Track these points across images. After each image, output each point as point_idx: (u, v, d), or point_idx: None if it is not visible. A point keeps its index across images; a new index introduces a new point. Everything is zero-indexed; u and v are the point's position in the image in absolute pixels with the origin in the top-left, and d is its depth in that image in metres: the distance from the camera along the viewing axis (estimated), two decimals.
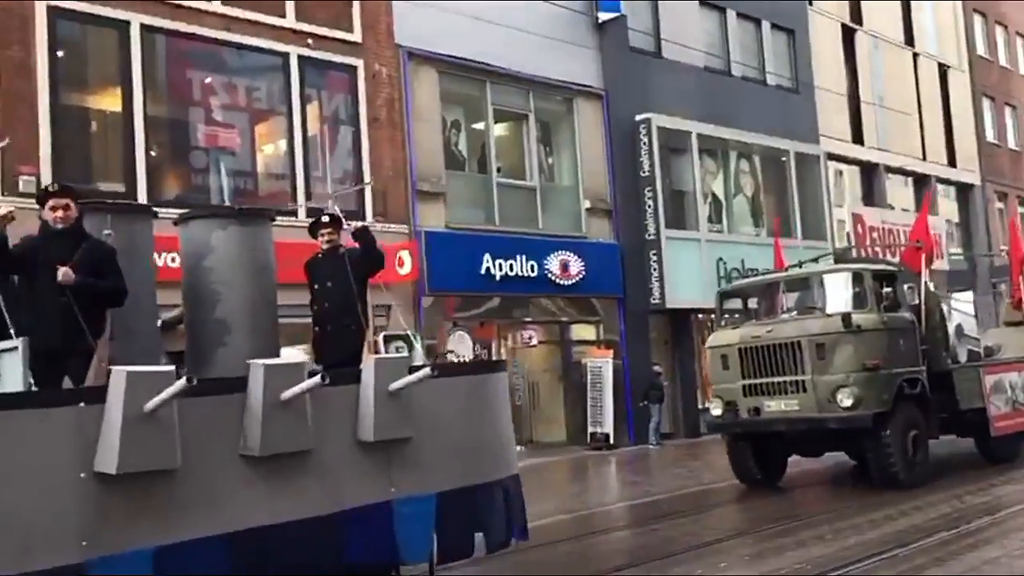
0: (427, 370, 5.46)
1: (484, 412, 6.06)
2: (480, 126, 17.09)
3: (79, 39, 12.72)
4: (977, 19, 32.02)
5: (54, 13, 12.09)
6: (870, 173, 25.68)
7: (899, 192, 27.17)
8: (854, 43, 25.85)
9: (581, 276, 17.17)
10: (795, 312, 11.19)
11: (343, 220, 7.05)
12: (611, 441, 16.92)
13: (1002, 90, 32.85)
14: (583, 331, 18.30)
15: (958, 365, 11.53)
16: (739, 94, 21.32)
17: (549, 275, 16.70)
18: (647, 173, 18.57)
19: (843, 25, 25.52)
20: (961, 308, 13.25)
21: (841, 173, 24.96)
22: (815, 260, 12.66)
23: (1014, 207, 32.52)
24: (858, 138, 25.26)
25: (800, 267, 12.69)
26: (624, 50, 18.94)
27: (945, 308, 12.36)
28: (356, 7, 14.99)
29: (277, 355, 5.99)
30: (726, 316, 12.20)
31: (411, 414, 5.41)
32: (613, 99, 18.51)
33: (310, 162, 14.35)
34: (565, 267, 16.93)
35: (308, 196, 14.17)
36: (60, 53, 12.25)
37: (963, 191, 30.00)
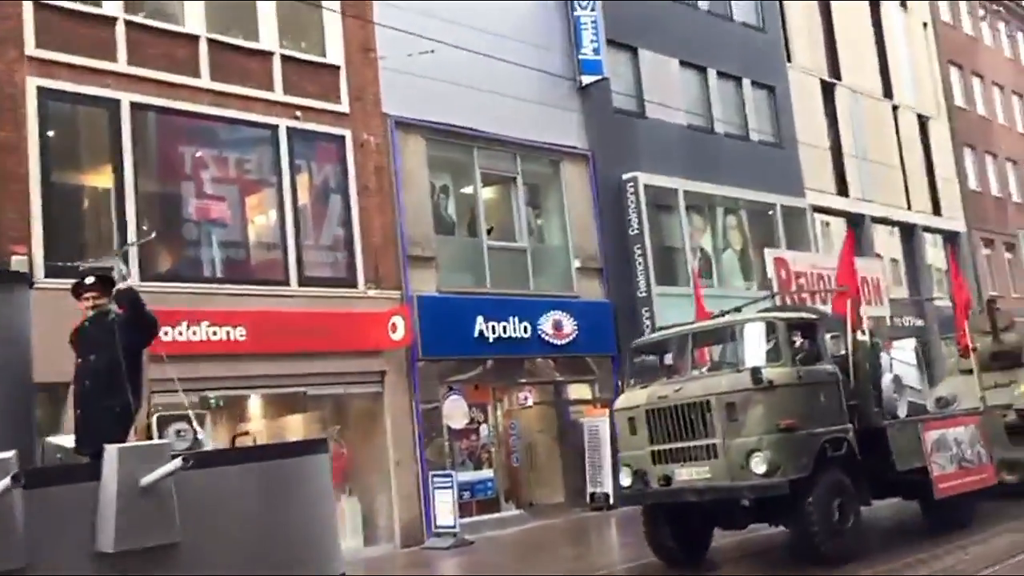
0: (177, 461, 4.43)
1: (290, 504, 5.06)
2: (469, 190, 17.27)
3: (69, 118, 12.90)
4: (953, 70, 32.68)
5: (44, 94, 12.26)
6: (856, 224, 25.93)
7: (886, 241, 27.41)
8: (834, 97, 26.32)
9: (574, 335, 17.19)
10: (706, 368, 10.32)
11: (118, 279, 6.04)
12: (611, 501, 16.75)
13: (982, 139, 33.37)
14: (579, 390, 18.25)
15: (893, 421, 10.55)
16: (723, 150, 21.63)
17: (542, 335, 16.73)
18: (636, 231, 18.73)
19: (822, 80, 26.01)
20: (902, 357, 12.05)
21: (828, 224, 25.19)
22: (737, 309, 11.95)
23: (1001, 252, 32.81)
24: (843, 190, 25.57)
25: (723, 316, 11.68)
26: (608, 111, 19.25)
27: (887, 358, 11.54)
28: (343, 79, 15.26)
29: (31, 441, 5.17)
30: (635, 376, 10.86)
31: (172, 514, 4.42)
32: (599, 159, 18.76)
33: (301, 232, 14.45)
34: (558, 327, 16.96)
35: (300, 265, 14.24)
36: (51, 132, 12.40)
37: (949, 239, 30.27)
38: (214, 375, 12.96)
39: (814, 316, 10.58)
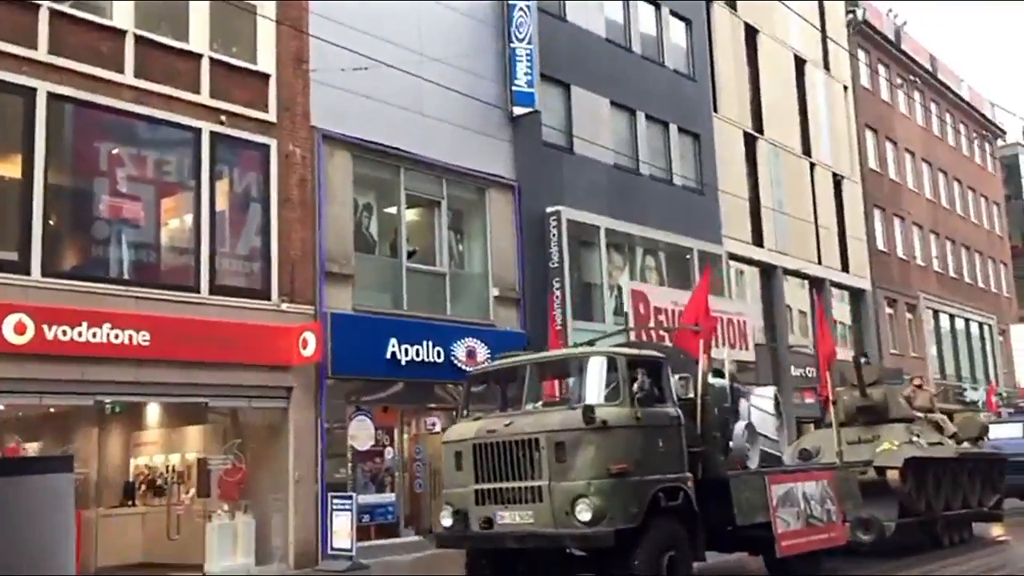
0: None
1: (27, 522, 4.82)
2: (392, 210, 17.15)
3: None
4: (869, 134, 33.99)
5: None
6: (769, 274, 26.62)
7: (796, 293, 28.20)
8: (755, 150, 27.08)
9: (487, 363, 17.13)
10: (540, 403, 9.57)
11: None
12: None
13: (892, 202, 34.71)
14: None
15: (739, 472, 10.12)
16: (647, 192, 22.00)
17: (455, 361, 16.63)
18: (556, 264, 18.86)
19: (745, 133, 26.75)
20: (760, 405, 11.42)
21: (742, 273, 25.81)
22: (591, 343, 11.29)
23: (903, 312, 34.06)
24: (758, 240, 26.24)
25: (576, 348, 11.31)
26: (537, 144, 19.41)
27: (745, 405, 11.16)
28: (272, 87, 15.04)
29: None
30: (472, 406, 10.11)
31: None
32: (525, 190, 18.87)
33: (217, 239, 14.12)
34: (471, 354, 16.90)
35: (212, 272, 13.90)
36: None
37: (856, 295, 31.30)
38: (113, 379, 12.55)
39: (660, 355, 9.91)
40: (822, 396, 13.41)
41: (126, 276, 13.15)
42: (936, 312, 36.72)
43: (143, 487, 15.97)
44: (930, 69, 39.63)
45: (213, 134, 14.16)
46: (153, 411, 15.79)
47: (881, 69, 35.79)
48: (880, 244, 33.30)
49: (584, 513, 8.32)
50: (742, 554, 10.95)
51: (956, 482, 14.91)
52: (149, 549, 15.21)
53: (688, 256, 22.82)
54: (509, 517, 8.75)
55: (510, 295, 18.33)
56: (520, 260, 18.64)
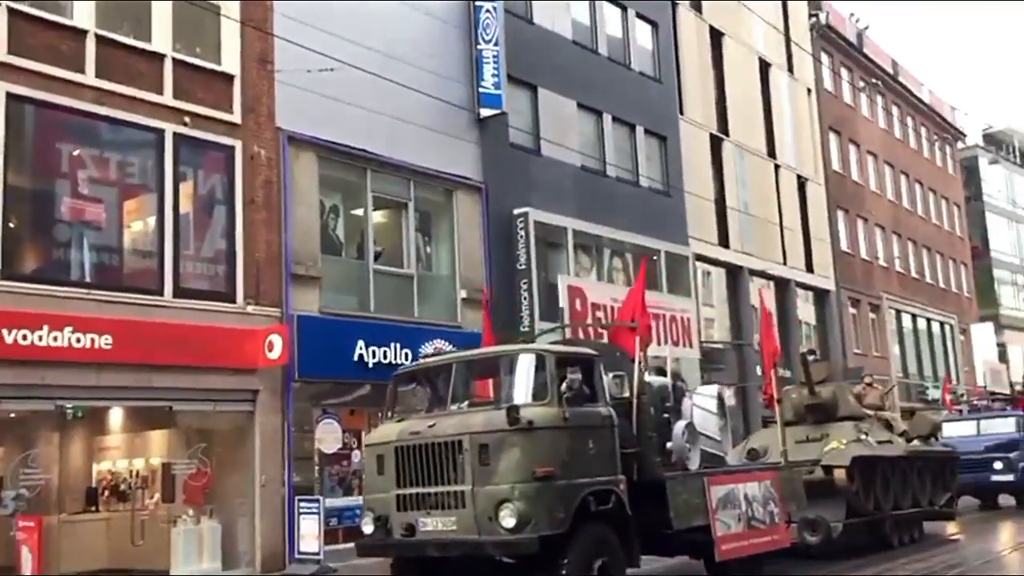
0: None
1: None
2: (359, 212, 17.08)
3: None
4: (832, 136, 34.41)
5: None
6: (735, 275, 26.84)
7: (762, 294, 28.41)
8: (721, 152, 27.30)
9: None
10: (466, 403, 9.06)
11: None
12: None
13: (855, 203, 35.16)
14: None
15: (676, 473, 9.78)
16: (613, 194, 22.09)
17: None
18: (523, 266, 18.87)
19: (711, 135, 26.96)
20: (703, 404, 11.10)
21: (709, 273, 26.00)
22: (525, 340, 10.76)
23: (866, 312, 34.50)
24: (724, 241, 26.45)
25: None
26: (504, 145, 19.43)
27: (688, 404, 10.91)
28: (237, 88, 14.91)
29: None
30: (397, 407, 9.59)
31: None
32: (492, 192, 18.87)
33: (180, 241, 13.98)
34: (439, 351, 16.84)
35: (176, 275, 13.76)
36: None
37: (820, 296, 31.65)
38: (74, 383, 12.37)
39: (591, 352, 9.53)
40: (766, 395, 12.97)
41: (88, 279, 12.98)
42: (899, 312, 37.24)
43: (106, 492, 15.74)
44: (892, 73, 40.21)
45: (176, 135, 14.01)
46: (116, 415, 15.58)
47: (844, 72, 36.25)
48: (844, 245, 33.71)
49: (508, 519, 7.95)
50: (684, 557, 10.68)
51: (906, 481, 14.80)
52: (114, 555, 15.00)
53: (655, 257, 22.93)
54: (431, 524, 8.36)
55: (477, 296, 18.32)
56: (487, 262, 18.64)
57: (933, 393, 34.66)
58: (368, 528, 8.86)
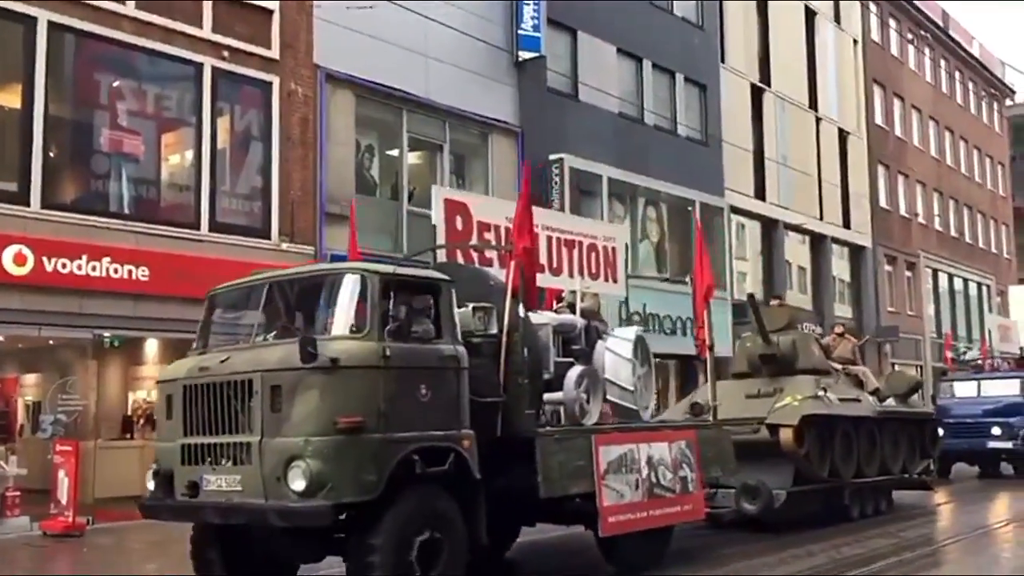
0: None
1: None
2: (394, 153, 17.05)
3: None
4: (877, 90, 33.66)
5: None
6: (770, 228, 26.56)
7: (797, 249, 28.19)
8: (762, 102, 26.83)
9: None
10: (273, 334, 7.28)
11: None
12: None
13: (896, 159, 34.52)
14: None
15: (551, 429, 8.22)
16: (650, 142, 21.84)
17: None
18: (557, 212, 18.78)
19: (752, 85, 26.48)
20: (616, 348, 9.49)
21: (743, 226, 25.74)
22: (408, 258, 8.85)
23: (902, 270, 34.08)
24: (760, 194, 26.13)
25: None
26: (542, 90, 19.22)
27: (601, 348, 9.46)
28: (275, 23, 14.84)
29: None
30: (209, 337, 7.79)
31: None
32: (528, 137, 18.73)
33: (217, 176, 14.05)
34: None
35: (212, 209, 13.86)
36: None
37: (856, 252, 31.27)
38: (112, 313, 12.59)
39: (439, 277, 7.68)
40: (698, 340, 11.04)
41: (126, 211, 13.12)
42: (935, 271, 36.74)
43: (141, 421, 16.09)
44: (941, 25, 39.12)
45: (215, 69, 14.02)
46: (152, 346, 15.85)
47: (892, 23, 35.33)
48: (883, 201, 33.19)
49: (297, 481, 6.37)
50: (581, 527, 8.84)
51: (874, 445, 13.15)
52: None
53: (690, 208, 22.74)
54: (216, 482, 6.78)
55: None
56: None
57: (972, 354, 34.01)
58: (150, 485, 7.33)
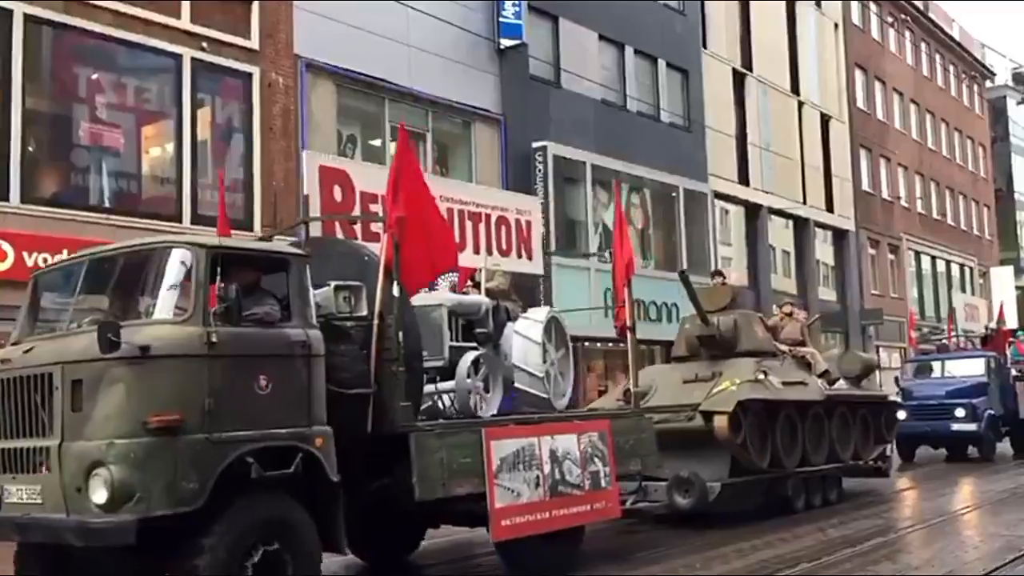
0: None
1: None
2: (377, 143, 16.98)
3: None
4: (858, 73, 33.75)
5: None
6: (754, 213, 26.64)
7: (780, 233, 28.29)
8: (744, 87, 26.86)
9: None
10: (88, 319, 6.23)
11: None
12: None
13: (878, 142, 34.65)
14: None
15: (430, 424, 7.36)
16: (633, 128, 21.84)
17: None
18: (541, 200, 18.78)
19: (734, 70, 26.49)
20: (525, 331, 8.70)
21: (727, 212, 25.81)
22: (266, 238, 7.92)
23: (885, 253, 34.26)
24: (744, 179, 26.19)
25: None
26: (524, 77, 19.17)
27: (509, 330, 8.69)
28: (255, 13, 14.73)
29: None
30: (33, 322, 6.71)
31: None
32: (511, 125, 18.70)
33: (198, 168, 13.97)
34: (453, 289, 16.88)
35: (194, 202, 13.77)
36: None
37: (839, 236, 31.41)
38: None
39: (284, 251, 6.77)
40: (618, 322, 10.14)
41: (107, 204, 13.02)
42: (918, 253, 36.97)
43: None
44: (921, 8, 39.25)
45: (194, 60, 13.91)
46: None
47: (872, 6, 35.41)
48: (865, 184, 33.33)
49: (98, 491, 5.45)
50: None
51: (822, 431, 12.38)
52: None
53: (673, 194, 22.77)
54: (16, 494, 5.89)
55: None
56: None
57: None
58: None
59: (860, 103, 33.66)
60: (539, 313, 9.21)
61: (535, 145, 18.92)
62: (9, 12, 12.09)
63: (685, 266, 20.91)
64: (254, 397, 5.98)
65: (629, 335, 9.86)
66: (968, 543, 9.47)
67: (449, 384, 8.05)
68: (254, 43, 14.66)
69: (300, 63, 15.21)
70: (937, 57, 40.97)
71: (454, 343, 8.26)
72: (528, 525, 7.55)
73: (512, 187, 18.54)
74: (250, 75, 14.59)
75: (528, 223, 10.76)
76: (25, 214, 11.97)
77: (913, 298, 35.76)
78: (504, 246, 10.35)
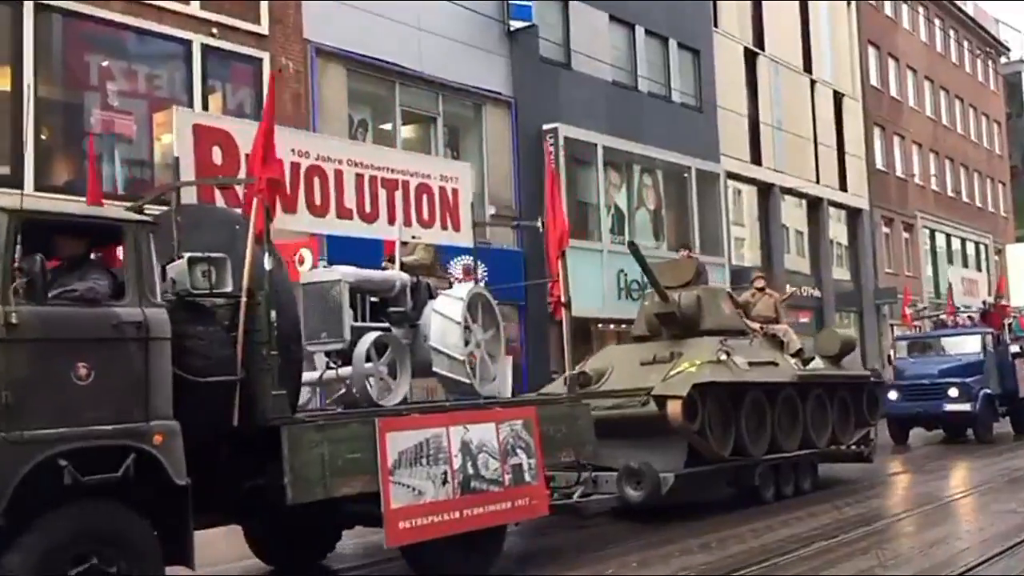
0: None
1: None
2: (388, 127, 16.97)
3: None
4: (872, 51, 33.45)
5: None
6: (766, 193, 26.51)
7: (793, 213, 28.15)
8: (756, 66, 26.68)
9: (483, 281, 17.16)
10: None
11: None
12: None
13: (892, 120, 34.38)
14: None
15: (309, 415, 6.79)
16: (645, 109, 21.74)
17: (451, 279, 16.63)
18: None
19: (746, 49, 26.31)
20: (444, 310, 7.90)
21: (740, 192, 25.70)
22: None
23: (899, 231, 34.06)
24: (756, 159, 26.05)
25: None
26: (534, 59, 19.10)
27: (428, 311, 7.96)
28: None
29: None
30: None
31: None
32: (521, 107, 18.64)
33: None
34: (468, 272, 16.89)
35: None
36: None
37: (852, 215, 31.23)
38: None
39: (115, 217, 5.84)
40: (552, 297, 9.39)
41: (120, 192, 13.05)
42: (933, 231, 36.74)
43: None
44: None
45: (204, 47, 13.92)
46: None
47: None
48: (879, 163, 33.10)
49: None
50: None
51: (794, 415, 11.47)
52: None
53: (685, 175, 22.68)
54: None
55: (506, 213, 18.26)
56: (516, 178, 18.52)
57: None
58: None
59: (873, 80, 33.38)
60: (460, 290, 8.31)
61: (546, 127, 18.85)
62: (20, 0, 12.11)
63: (698, 247, 20.83)
64: (69, 388, 5.07)
65: (564, 312, 9.00)
66: (952, 535, 8.80)
67: (346, 370, 7.26)
68: (263, 28, 14.65)
69: (310, 48, 15.19)
70: (951, 33, 40.56)
71: (358, 323, 7.47)
72: (433, 527, 6.73)
73: (523, 169, 18.50)
74: (260, 60, 14.60)
75: (455, 191, 9.65)
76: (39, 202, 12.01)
77: (928, 276, 35.54)
78: (426, 217, 9.16)
